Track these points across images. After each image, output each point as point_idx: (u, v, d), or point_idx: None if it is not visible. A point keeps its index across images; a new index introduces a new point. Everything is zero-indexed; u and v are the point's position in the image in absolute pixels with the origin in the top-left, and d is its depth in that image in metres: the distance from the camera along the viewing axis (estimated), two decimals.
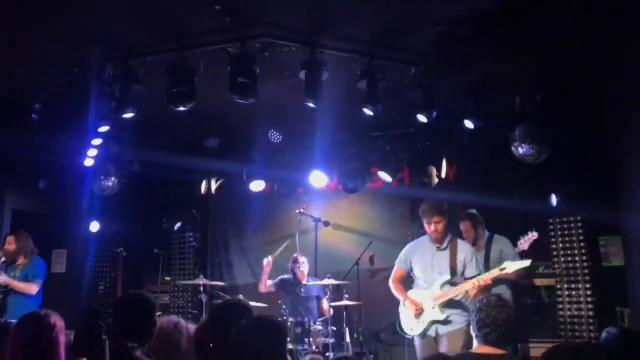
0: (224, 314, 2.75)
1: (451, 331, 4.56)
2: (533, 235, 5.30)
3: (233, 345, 2.45)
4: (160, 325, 3.07)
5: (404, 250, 5.02)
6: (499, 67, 4.84)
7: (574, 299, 5.93)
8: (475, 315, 3.00)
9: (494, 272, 4.63)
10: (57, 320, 2.83)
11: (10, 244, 5.99)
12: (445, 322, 4.57)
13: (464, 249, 4.75)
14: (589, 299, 5.86)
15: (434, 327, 4.63)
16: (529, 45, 4.56)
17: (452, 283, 4.63)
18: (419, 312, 4.67)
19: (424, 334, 4.66)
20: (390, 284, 5.01)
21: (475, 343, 3.05)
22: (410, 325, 4.76)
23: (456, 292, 4.55)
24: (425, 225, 4.76)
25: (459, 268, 4.66)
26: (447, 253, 4.72)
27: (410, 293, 4.84)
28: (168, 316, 3.34)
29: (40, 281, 6.02)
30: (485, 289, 4.49)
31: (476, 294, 4.34)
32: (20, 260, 6.03)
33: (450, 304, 4.60)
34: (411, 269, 4.91)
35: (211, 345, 2.72)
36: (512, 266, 4.63)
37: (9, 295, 5.83)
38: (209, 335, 2.74)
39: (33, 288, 5.93)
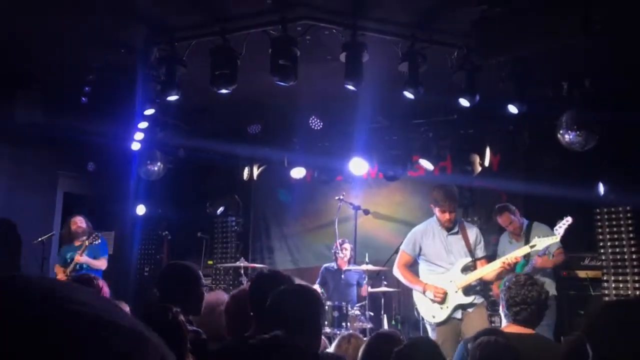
0: (265, 282, 2.79)
1: (476, 306, 4.61)
2: (567, 220, 5.10)
3: (268, 310, 2.48)
4: (207, 300, 3.24)
5: (411, 235, 4.94)
6: (544, 48, 4.71)
7: (621, 292, 5.73)
8: (505, 294, 2.97)
9: (524, 250, 4.68)
10: (104, 285, 2.98)
11: (82, 223, 6.27)
12: (472, 304, 4.59)
13: (472, 231, 4.81)
14: (637, 293, 5.65)
15: (459, 310, 4.62)
16: (576, 26, 4.41)
17: (470, 266, 4.66)
18: (443, 298, 4.62)
19: (448, 319, 4.61)
20: (397, 271, 4.92)
21: (504, 322, 3.04)
22: (432, 312, 4.68)
23: (480, 274, 4.60)
24: (438, 213, 4.71)
25: (474, 250, 4.71)
26: (459, 237, 4.73)
27: (427, 280, 4.77)
28: (215, 292, 3.50)
29: (107, 257, 6.33)
30: (509, 271, 4.48)
31: (494, 277, 4.64)
32: (80, 242, 6.26)
33: (471, 285, 4.64)
34: (419, 254, 4.86)
35: (252, 313, 2.77)
36: (542, 243, 4.65)
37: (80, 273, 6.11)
38: (251, 303, 2.78)
39: (104, 264, 6.27)
